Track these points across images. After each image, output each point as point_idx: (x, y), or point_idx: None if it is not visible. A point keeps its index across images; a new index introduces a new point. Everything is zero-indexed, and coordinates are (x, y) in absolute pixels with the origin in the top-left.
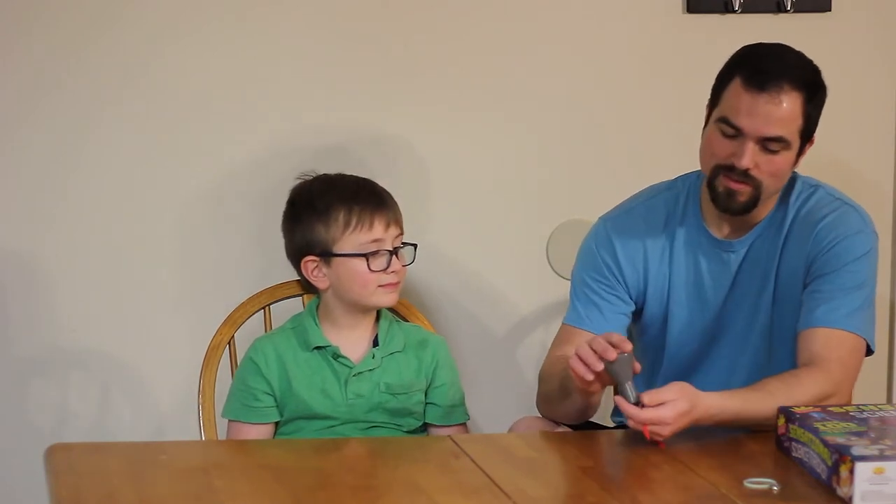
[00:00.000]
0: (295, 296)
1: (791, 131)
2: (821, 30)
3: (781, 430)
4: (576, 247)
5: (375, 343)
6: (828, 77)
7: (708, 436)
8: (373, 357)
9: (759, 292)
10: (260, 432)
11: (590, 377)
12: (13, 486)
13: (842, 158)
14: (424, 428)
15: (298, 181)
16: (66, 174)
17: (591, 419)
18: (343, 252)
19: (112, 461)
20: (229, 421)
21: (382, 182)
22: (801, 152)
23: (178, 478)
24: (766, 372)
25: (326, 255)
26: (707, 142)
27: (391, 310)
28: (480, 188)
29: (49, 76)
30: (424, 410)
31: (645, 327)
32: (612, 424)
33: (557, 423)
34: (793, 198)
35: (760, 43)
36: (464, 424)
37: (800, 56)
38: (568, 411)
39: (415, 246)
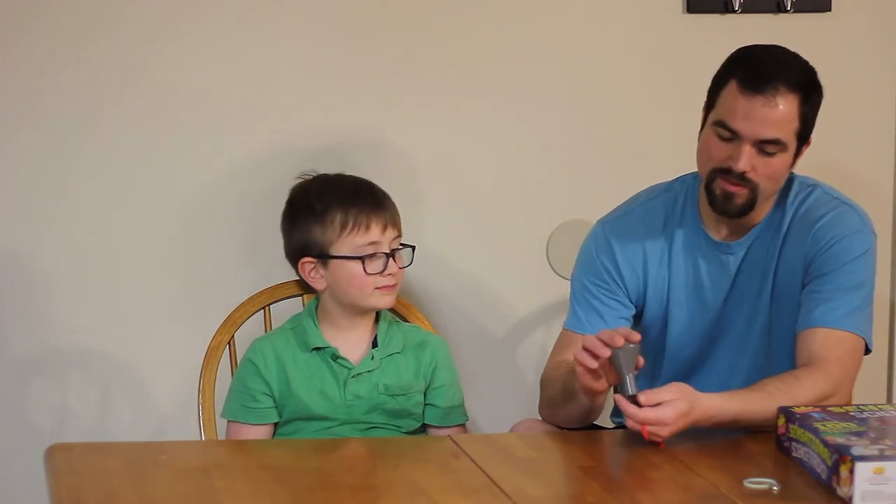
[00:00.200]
0: (295, 296)
1: (787, 133)
2: (821, 30)
3: (781, 430)
4: (576, 247)
5: (374, 344)
6: (828, 77)
7: (708, 436)
8: (372, 358)
9: (758, 293)
10: (259, 433)
11: (594, 364)
12: (13, 486)
13: (842, 159)
14: (423, 429)
15: (298, 181)
16: (66, 174)
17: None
18: (339, 254)
19: (112, 461)
20: (228, 422)
21: (382, 182)
22: (797, 154)
23: (178, 478)
24: (766, 373)
25: (323, 256)
26: (703, 145)
27: (391, 310)
28: (480, 188)
29: (49, 76)
30: (423, 411)
31: (644, 330)
32: (611, 425)
33: (559, 429)
34: (790, 198)
35: (755, 45)
36: (463, 425)
37: (795, 57)
38: (571, 415)
39: (413, 248)
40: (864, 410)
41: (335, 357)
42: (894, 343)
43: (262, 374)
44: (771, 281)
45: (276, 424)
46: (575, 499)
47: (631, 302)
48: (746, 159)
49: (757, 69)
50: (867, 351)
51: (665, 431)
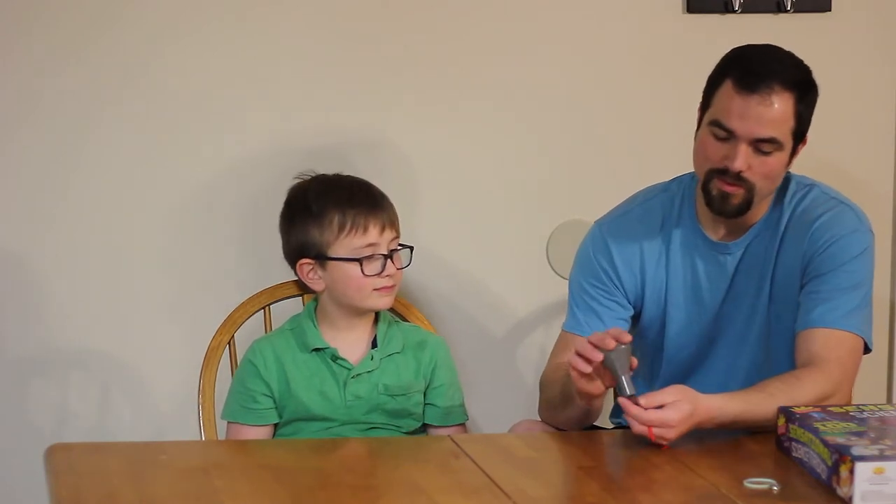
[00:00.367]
0: (294, 296)
1: (783, 132)
2: (821, 30)
3: (781, 430)
4: (576, 247)
5: (374, 344)
6: (827, 77)
7: (708, 436)
8: (371, 358)
9: (756, 294)
10: (259, 434)
11: (588, 369)
12: (13, 486)
13: (841, 159)
14: (423, 429)
15: (296, 181)
16: (66, 174)
17: None
18: (337, 256)
19: (112, 461)
20: (228, 423)
21: (381, 182)
22: (793, 153)
23: (178, 478)
24: (765, 373)
25: (321, 258)
26: (700, 145)
27: (391, 309)
28: (480, 188)
29: (49, 76)
30: (423, 411)
31: (643, 330)
32: (611, 426)
33: (559, 430)
34: (788, 198)
35: (750, 44)
36: (463, 425)
37: (790, 56)
38: (569, 417)
39: (411, 248)
40: (864, 410)
41: (335, 358)
42: (894, 343)
43: (261, 375)
44: (769, 281)
45: (276, 425)
46: (575, 499)
47: (629, 303)
48: (743, 159)
49: (751, 68)
50: (867, 350)
51: (671, 434)
